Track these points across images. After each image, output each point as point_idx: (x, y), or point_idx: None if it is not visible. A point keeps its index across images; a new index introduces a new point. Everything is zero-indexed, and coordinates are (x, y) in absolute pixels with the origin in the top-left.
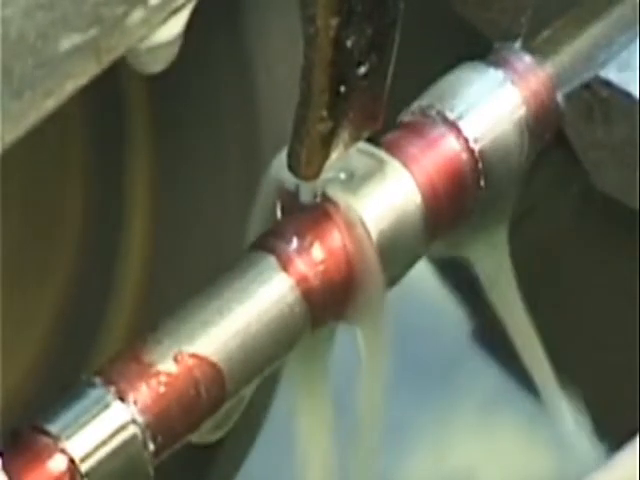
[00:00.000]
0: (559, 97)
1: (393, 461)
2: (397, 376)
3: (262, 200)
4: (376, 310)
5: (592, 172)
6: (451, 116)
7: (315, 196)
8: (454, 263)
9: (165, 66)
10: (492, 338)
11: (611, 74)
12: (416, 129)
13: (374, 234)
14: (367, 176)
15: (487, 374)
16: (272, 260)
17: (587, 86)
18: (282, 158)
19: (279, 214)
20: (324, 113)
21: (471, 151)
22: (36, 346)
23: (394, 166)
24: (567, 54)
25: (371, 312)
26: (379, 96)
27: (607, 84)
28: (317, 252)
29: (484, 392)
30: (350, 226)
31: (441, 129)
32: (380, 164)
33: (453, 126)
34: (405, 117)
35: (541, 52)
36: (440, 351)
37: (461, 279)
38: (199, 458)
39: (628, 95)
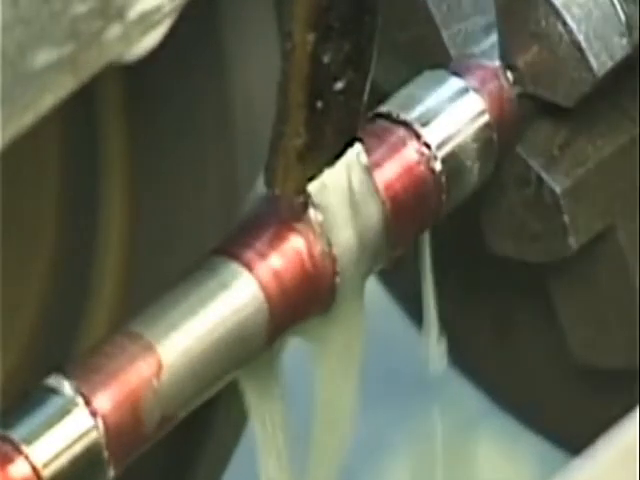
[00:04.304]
0: None
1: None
2: (375, 394)
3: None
4: (352, 308)
5: (487, 232)
6: (413, 124)
7: (292, 209)
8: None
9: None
10: (470, 359)
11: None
12: (378, 136)
13: (341, 238)
14: (333, 182)
15: (467, 394)
16: (234, 266)
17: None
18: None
19: None
20: (301, 128)
21: (433, 159)
22: (15, 349)
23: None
24: None
25: (346, 310)
26: (356, 111)
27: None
28: (279, 259)
29: (464, 411)
30: (318, 232)
31: (403, 137)
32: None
33: (415, 134)
34: (367, 124)
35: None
36: (420, 370)
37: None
38: (181, 460)
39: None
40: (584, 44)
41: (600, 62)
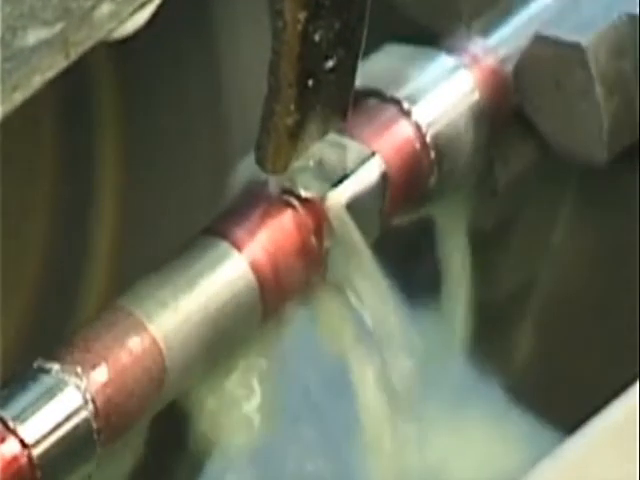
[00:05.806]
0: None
1: (364, 455)
2: None
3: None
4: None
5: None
6: (404, 102)
7: (283, 188)
8: (423, 263)
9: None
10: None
11: None
12: (368, 115)
13: (333, 216)
14: (330, 161)
15: (457, 369)
16: (224, 245)
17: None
18: (250, 160)
19: None
20: (292, 107)
21: (424, 137)
22: (7, 332)
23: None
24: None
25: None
26: (346, 90)
27: None
28: (269, 237)
29: (454, 387)
30: (308, 209)
31: (394, 115)
32: (340, 149)
33: (406, 112)
34: (358, 102)
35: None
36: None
37: (427, 278)
38: (163, 458)
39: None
40: (605, 125)
41: (612, 146)
